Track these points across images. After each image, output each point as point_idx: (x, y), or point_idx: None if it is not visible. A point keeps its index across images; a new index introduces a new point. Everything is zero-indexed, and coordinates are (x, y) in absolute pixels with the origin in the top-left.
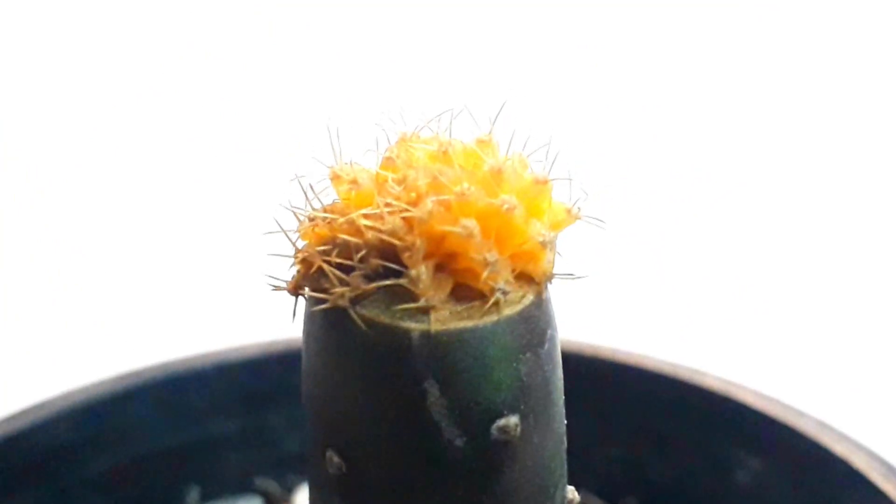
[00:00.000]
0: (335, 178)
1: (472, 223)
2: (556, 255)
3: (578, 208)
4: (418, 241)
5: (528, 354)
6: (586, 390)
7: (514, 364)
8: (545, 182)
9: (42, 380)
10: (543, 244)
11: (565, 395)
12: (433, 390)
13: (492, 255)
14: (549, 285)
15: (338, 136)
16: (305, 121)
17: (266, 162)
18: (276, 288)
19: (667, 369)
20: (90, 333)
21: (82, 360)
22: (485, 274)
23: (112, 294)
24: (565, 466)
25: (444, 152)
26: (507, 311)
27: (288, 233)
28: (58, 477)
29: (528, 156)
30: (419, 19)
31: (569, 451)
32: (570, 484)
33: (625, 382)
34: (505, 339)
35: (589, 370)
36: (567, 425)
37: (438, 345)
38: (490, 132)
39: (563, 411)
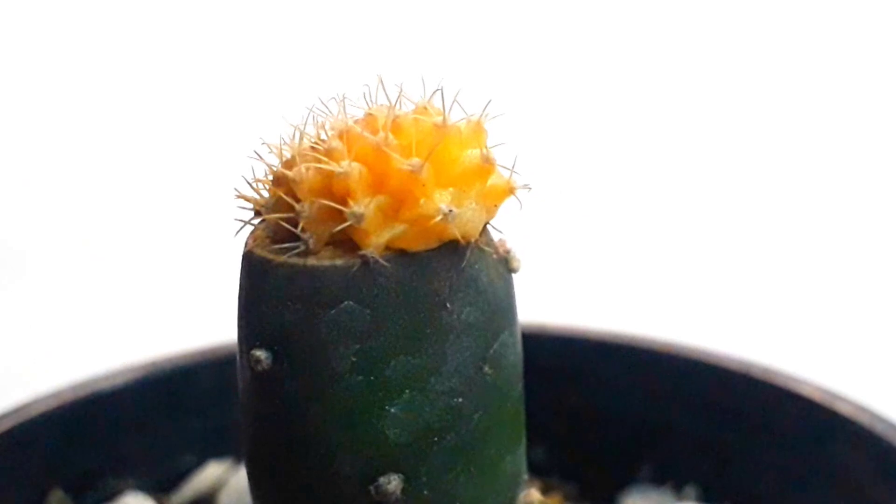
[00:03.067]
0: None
1: (350, 165)
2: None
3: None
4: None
5: (297, 305)
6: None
7: (279, 307)
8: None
9: (38, 377)
10: (442, 216)
11: None
12: (240, 304)
13: (360, 207)
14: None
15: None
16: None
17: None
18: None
19: None
20: (87, 330)
21: (80, 355)
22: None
23: (110, 291)
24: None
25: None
26: (294, 260)
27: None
28: None
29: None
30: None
31: None
32: None
33: None
34: (278, 282)
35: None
36: None
37: (247, 264)
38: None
39: (380, 388)
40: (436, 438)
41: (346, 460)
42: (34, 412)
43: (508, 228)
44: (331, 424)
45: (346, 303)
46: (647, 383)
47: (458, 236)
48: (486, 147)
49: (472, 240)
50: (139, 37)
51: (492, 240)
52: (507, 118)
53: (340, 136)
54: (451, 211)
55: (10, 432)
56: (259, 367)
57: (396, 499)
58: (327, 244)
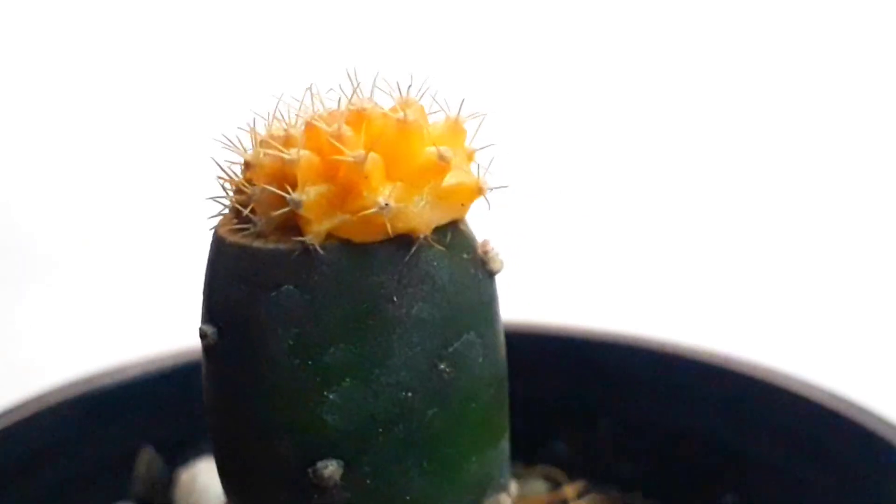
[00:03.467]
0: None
1: (299, 153)
2: None
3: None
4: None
5: (241, 285)
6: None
7: (227, 285)
8: None
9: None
10: (378, 209)
11: None
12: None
13: (300, 194)
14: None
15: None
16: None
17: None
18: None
19: None
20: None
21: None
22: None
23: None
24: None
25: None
26: (243, 241)
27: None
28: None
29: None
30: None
31: None
32: None
33: None
34: (227, 261)
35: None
36: None
37: (212, 241)
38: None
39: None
40: (381, 429)
41: (284, 441)
42: (130, 375)
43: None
44: (269, 404)
45: (285, 287)
46: (740, 409)
47: (393, 230)
48: (459, 145)
49: (422, 235)
50: (132, 40)
51: (466, 239)
52: (512, 120)
53: (307, 127)
54: (386, 205)
55: (107, 391)
56: (206, 342)
57: (335, 484)
58: (280, 229)
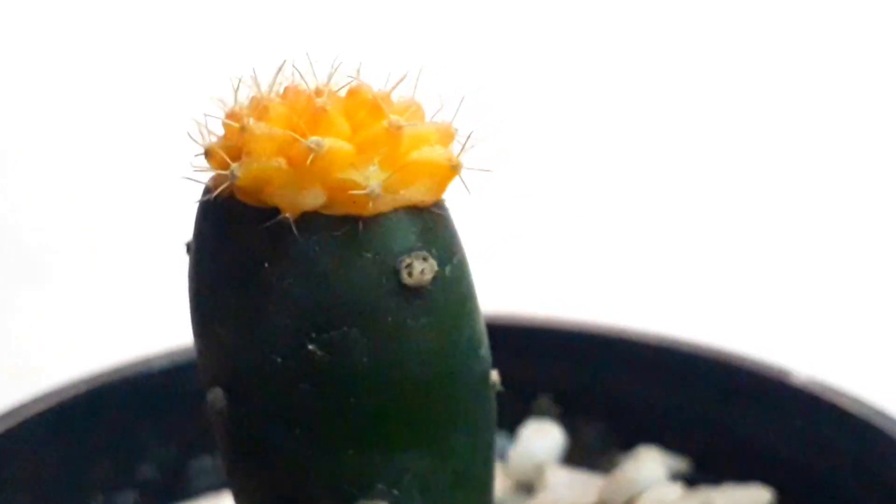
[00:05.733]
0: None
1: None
2: None
3: None
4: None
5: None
6: None
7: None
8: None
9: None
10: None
11: None
12: None
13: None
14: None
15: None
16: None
17: None
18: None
19: None
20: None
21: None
22: None
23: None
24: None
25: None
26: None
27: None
28: None
29: None
30: None
31: None
32: None
33: None
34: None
35: None
36: None
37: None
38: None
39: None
40: (255, 379)
41: (201, 359)
42: None
43: None
44: (195, 322)
45: (204, 223)
46: None
47: (257, 199)
48: (388, 146)
49: (287, 214)
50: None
51: (373, 239)
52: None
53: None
54: (232, 172)
55: None
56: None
57: (222, 409)
58: None
